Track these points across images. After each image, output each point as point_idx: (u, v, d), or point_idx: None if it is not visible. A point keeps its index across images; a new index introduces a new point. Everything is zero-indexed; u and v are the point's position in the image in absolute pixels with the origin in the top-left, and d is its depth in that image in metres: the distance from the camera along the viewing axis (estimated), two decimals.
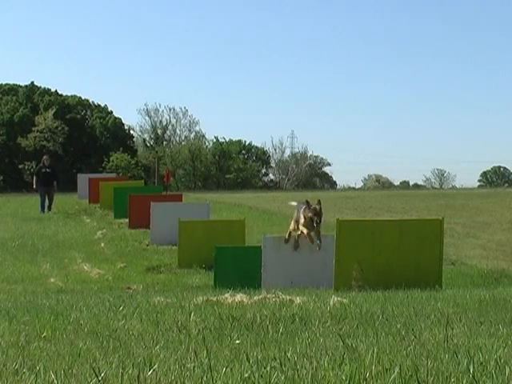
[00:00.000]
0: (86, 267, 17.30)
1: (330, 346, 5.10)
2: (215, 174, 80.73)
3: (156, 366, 4.18)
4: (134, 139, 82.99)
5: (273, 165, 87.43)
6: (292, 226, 13.31)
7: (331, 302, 8.22)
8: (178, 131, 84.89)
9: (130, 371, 4.12)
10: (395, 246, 12.29)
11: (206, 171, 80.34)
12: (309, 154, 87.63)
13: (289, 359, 4.35)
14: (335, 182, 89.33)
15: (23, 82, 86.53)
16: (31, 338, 6.11)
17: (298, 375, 3.80)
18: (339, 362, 4.13)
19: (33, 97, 76.07)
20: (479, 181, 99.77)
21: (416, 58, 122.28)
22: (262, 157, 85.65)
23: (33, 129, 71.64)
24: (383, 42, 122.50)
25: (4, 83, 78.67)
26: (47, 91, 77.24)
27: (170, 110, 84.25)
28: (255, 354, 4.67)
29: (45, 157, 30.02)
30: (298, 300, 8.52)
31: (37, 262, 17.86)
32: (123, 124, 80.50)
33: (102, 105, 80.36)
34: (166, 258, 18.57)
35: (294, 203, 13.72)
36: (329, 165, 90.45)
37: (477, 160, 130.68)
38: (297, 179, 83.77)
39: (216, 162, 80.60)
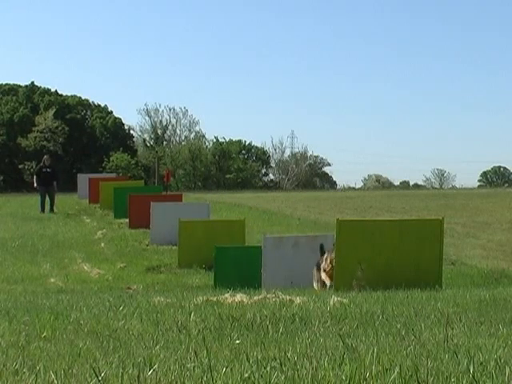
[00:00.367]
0: (85, 267, 17.31)
1: (330, 345, 5.10)
2: (215, 173, 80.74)
3: (156, 366, 4.18)
4: (134, 139, 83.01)
5: (273, 165, 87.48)
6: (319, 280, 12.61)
7: (331, 302, 8.22)
8: (177, 131, 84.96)
9: (130, 371, 4.12)
10: (395, 246, 12.29)
11: (206, 171, 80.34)
12: (309, 154, 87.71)
13: (289, 359, 4.35)
14: (335, 182, 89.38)
15: (23, 82, 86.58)
16: (31, 338, 6.11)
17: (298, 375, 3.80)
18: (339, 362, 4.13)
19: (33, 97, 76.08)
20: (479, 181, 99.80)
21: (416, 58, 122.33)
22: (262, 157, 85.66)
23: (33, 129, 71.66)
24: (383, 42, 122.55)
25: (4, 83, 78.73)
26: (47, 91, 77.25)
27: (169, 109, 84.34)
28: (255, 353, 4.67)
29: (45, 157, 30.04)
30: (297, 300, 8.52)
31: (37, 262, 17.86)
32: (123, 124, 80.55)
33: (102, 105, 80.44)
34: (166, 258, 18.58)
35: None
36: (329, 165, 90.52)
37: (477, 160, 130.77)
38: (297, 179, 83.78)
39: (216, 162, 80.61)
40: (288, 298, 8.81)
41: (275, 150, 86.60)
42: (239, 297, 8.98)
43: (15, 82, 79.05)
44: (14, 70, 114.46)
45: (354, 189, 70.48)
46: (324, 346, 5.06)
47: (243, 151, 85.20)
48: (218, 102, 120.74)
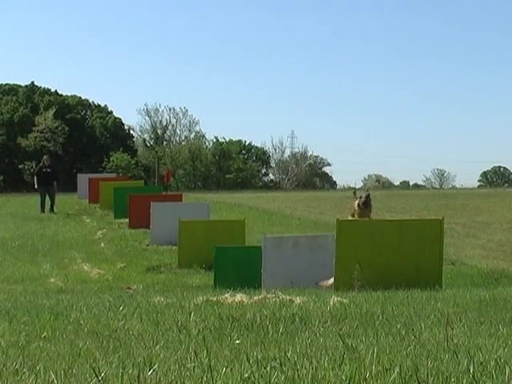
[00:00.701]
0: (86, 267, 17.30)
1: (330, 345, 5.10)
2: (215, 173, 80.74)
3: (156, 365, 4.18)
4: (134, 139, 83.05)
5: (273, 165, 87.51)
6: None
7: (331, 302, 8.22)
8: (178, 131, 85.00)
9: (130, 371, 4.12)
10: (395, 246, 12.28)
11: (206, 171, 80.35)
12: (309, 154, 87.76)
13: (289, 359, 4.35)
14: (335, 182, 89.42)
15: (23, 82, 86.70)
16: (31, 338, 6.11)
17: (298, 375, 3.80)
18: (339, 362, 4.13)
19: (33, 97, 76.10)
20: (479, 181, 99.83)
21: (416, 58, 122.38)
22: (262, 157, 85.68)
23: (33, 129, 71.68)
24: (383, 42, 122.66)
25: (4, 83, 78.78)
26: (47, 91, 77.27)
27: (170, 110, 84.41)
28: (255, 353, 4.67)
29: (45, 157, 30.05)
30: (298, 300, 8.51)
31: (37, 261, 17.86)
32: (123, 124, 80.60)
33: (102, 105, 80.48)
34: (166, 257, 18.57)
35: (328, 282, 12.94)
36: (329, 165, 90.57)
37: (477, 160, 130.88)
38: (297, 179, 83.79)
39: (216, 162, 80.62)
40: (288, 297, 8.81)
41: (275, 149, 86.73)
42: (239, 297, 8.97)
43: (15, 82, 79.23)
44: (14, 70, 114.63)
45: (354, 189, 70.37)
46: (324, 346, 5.05)
47: (243, 151, 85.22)
48: (218, 102, 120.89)
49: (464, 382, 3.72)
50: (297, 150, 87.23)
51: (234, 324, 6.58)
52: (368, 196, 12.77)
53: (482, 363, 4.11)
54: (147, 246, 20.51)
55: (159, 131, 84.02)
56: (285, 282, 12.74)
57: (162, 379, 3.88)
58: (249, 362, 4.26)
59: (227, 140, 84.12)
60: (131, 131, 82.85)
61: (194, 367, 4.17)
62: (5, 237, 21.64)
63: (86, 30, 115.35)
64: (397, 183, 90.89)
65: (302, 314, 7.20)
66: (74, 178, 38.21)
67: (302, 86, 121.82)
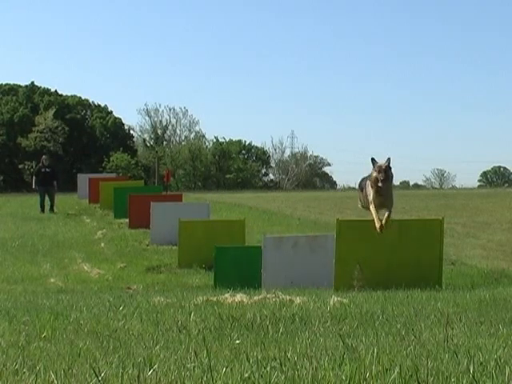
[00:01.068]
0: (86, 267, 17.30)
1: (330, 345, 5.10)
2: (215, 173, 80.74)
3: (156, 366, 4.18)
4: (134, 139, 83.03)
5: (273, 165, 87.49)
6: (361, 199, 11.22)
7: (331, 302, 8.22)
8: (178, 131, 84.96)
9: (130, 371, 4.12)
10: (395, 246, 12.29)
11: (206, 171, 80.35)
12: (309, 154, 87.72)
13: (289, 359, 4.35)
14: (335, 182, 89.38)
15: (23, 82, 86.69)
16: (31, 338, 6.11)
17: (298, 375, 3.80)
18: (339, 362, 4.13)
19: (33, 97, 76.09)
20: (479, 181, 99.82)
21: (416, 58, 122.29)
22: (262, 157, 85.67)
23: (33, 129, 71.66)
24: (383, 42, 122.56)
25: (4, 83, 78.73)
26: (47, 91, 77.25)
27: (170, 110, 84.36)
28: (255, 353, 4.67)
29: (44, 156, 30.04)
30: (298, 300, 8.52)
31: (37, 261, 17.86)
32: (123, 124, 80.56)
33: (102, 105, 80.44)
34: (166, 258, 18.57)
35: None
36: (329, 165, 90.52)
37: (477, 160, 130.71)
38: (297, 179, 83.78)
39: (216, 162, 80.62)
40: (288, 297, 8.82)
41: (275, 149, 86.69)
42: (239, 297, 8.98)
43: (15, 82, 79.15)
44: (14, 70, 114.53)
45: (354, 189, 70.46)
46: (324, 346, 5.05)
47: (243, 151, 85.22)
48: (218, 102, 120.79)
49: (464, 382, 3.72)
50: (297, 150, 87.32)
51: (234, 324, 6.58)
52: (388, 165, 10.47)
53: (481, 363, 4.11)
54: (147, 245, 20.51)
55: (159, 131, 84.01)
56: (285, 282, 12.74)
57: (162, 379, 3.88)
58: (249, 361, 4.26)
59: (227, 140, 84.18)
60: (131, 131, 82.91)
61: (194, 367, 4.17)
62: (5, 237, 21.64)
63: (85, 29, 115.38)
64: (397, 183, 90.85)
65: (301, 314, 7.20)
66: (74, 178, 38.20)
67: (302, 86, 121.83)
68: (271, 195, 41.10)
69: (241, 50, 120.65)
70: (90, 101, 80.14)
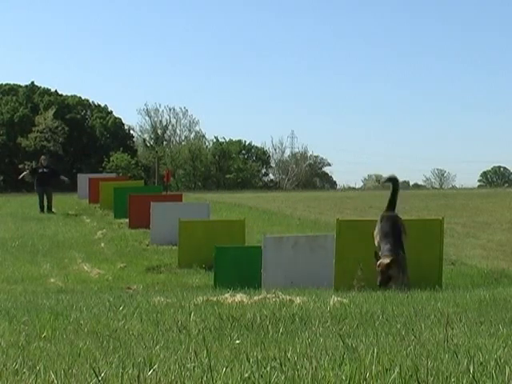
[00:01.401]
0: (86, 267, 17.30)
1: (330, 345, 5.10)
2: (215, 173, 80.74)
3: (156, 366, 4.18)
4: (134, 139, 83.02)
5: (273, 165, 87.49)
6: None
7: (331, 302, 8.22)
8: (178, 131, 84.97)
9: (130, 371, 4.12)
10: None
11: (206, 171, 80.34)
12: (309, 154, 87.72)
13: (289, 359, 4.35)
14: (335, 182, 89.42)
15: (23, 82, 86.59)
16: (31, 338, 6.11)
17: (298, 375, 3.80)
18: (339, 362, 4.13)
19: (33, 97, 76.09)
20: (479, 181, 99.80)
21: (416, 58, 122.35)
22: (262, 157, 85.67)
23: (33, 129, 71.66)
24: (383, 42, 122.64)
25: (4, 83, 78.74)
26: (47, 91, 77.26)
27: (170, 110, 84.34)
28: (255, 353, 4.66)
29: (42, 157, 30.02)
30: (298, 300, 8.51)
31: (37, 262, 17.86)
32: (123, 124, 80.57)
33: (102, 105, 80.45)
34: (166, 258, 18.57)
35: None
36: (329, 165, 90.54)
37: (477, 160, 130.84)
38: (297, 179, 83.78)
39: (216, 162, 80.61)
40: (288, 297, 8.81)
41: (275, 149, 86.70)
42: (239, 297, 8.98)
43: (15, 82, 79.17)
44: (14, 70, 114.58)
45: (354, 189, 70.46)
46: (324, 346, 5.05)
47: (243, 151, 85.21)
48: (218, 102, 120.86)
49: (464, 382, 3.72)
50: (297, 150, 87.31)
51: (234, 324, 6.58)
52: (392, 262, 11.05)
53: (481, 363, 4.11)
54: (147, 245, 20.51)
55: (159, 131, 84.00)
56: (285, 282, 12.74)
57: (161, 379, 3.88)
58: (249, 361, 4.26)
59: (227, 140, 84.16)
60: (131, 131, 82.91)
61: (194, 367, 4.17)
62: (5, 237, 21.64)
63: (85, 29, 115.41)
64: None
65: (302, 314, 7.20)
66: (74, 178, 38.18)
67: (302, 86, 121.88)
68: (271, 195, 41.09)
69: (241, 49, 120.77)
70: (90, 101, 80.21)
